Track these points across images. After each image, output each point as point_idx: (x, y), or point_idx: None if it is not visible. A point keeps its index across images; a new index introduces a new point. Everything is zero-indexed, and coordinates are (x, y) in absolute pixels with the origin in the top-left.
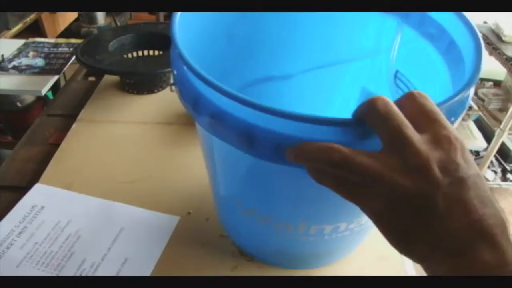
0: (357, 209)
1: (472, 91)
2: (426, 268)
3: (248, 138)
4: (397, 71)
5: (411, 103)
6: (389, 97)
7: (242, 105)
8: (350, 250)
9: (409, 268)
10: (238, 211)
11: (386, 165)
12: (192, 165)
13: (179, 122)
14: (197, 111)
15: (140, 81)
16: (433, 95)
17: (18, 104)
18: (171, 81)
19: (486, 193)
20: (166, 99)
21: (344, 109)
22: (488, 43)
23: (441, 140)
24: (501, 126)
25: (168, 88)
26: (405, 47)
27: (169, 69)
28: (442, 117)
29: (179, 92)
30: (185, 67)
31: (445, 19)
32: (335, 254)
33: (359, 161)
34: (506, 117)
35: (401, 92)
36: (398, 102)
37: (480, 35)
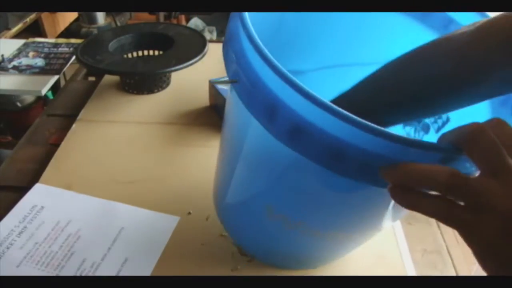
0: (384, 223)
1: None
2: None
3: (336, 155)
4: (448, 119)
5: (500, 132)
6: None
7: (335, 117)
8: (353, 249)
9: (409, 268)
10: (263, 215)
11: (494, 190)
12: (192, 165)
13: (179, 122)
14: (273, 120)
15: (140, 81)
16: None
17: (18, 104)
18: (228, 78)
19: None
20: (166, 99)
21: None
22: None
23: None
24: None
25: (167, 88)
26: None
27: (169, 69)
28: None
29: (244, 91)
30: (262, 68)
31: (469, 20)
32: (340, 253)
33: (472, 184)
34: None
35: None
36: (486, 127)
37: None
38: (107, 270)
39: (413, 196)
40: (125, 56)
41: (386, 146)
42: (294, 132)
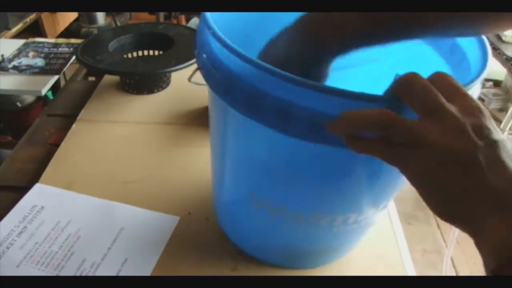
0: (370, 198)
1: (477, 88)
2: (470, 230)
3: (285, 116)
4: (396, 75)
5: (441, 80)
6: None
7: (282, 81)
8: (352, 247)
9: (409, 268)
10: (249, 204)
11: (428, 128)
12: (192, 165)
13: (179, 122)
14: (230, 91)
15: (140, 81)
16: None
17: (18, 104)
18: (196, 67)
19: None
20: (166, 99)
21: None
22: (488, 43)
23: (472, 109)
24: (501, 126)
25: (167, 88)
26: (407, 52)
27: (169, 69)
28: (468, 92)
29: (209, 76)
30: (219, 48)
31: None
32: (337, 250)
33: (406, 122)
34: (506, 117)
35: None
36: (428, 79)
37: (487, 46)
38: (107, 270)
39: (361, 142)
40: (125, 56)
41: (328, 101)
42: (249, 100)
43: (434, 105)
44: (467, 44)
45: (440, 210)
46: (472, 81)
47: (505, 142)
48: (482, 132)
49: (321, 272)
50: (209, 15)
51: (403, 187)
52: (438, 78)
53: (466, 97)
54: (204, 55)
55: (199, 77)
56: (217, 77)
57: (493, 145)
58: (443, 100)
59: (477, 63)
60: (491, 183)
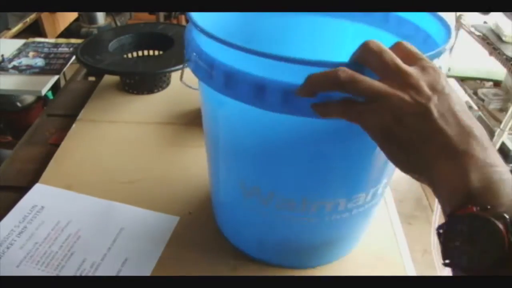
0: (355, 182)
1: (444, 63)
2: (426, 178)
3: (259, 91)
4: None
5: (400, 48)
6: None
7: (253, 55)
8: (350, 244)
9: (409, 268)
10: (241, 195)
11: (386, 85)
12: (192, 165)
13: (179, 122)
14: (212, 75)
15: (140, 81)
16: None
17: (18, 104)
18: (185, 62)
19: (467, 109)
20: (166, 99)
21: None
22: (488, 43)
23: (427, 69)
24: (501, 126)
25: (167, 88)
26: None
27: (169, 69)
28: (426, 57)
29: (196, 68)
30: (201, 39)
31: (420, 19)
32: (335, 246)
33: (363, 79)
34: (506, 117)
35: None
36: (389, 48)
37: (451, 25)
38: (107, 270)
39: (325, 106)
40: (125, 56)
41: (296, 71)
42: (227, 81)
43: (391, 66)
44: (438, 34)
45: (399, 161)
46: (437, 49)
47: (457, 96)
48: (436, 87)
49: (321, 272)
50: (194, 14)
51: (396, 178)
52: (398, 45)
53: (422, 60)
54: (190, 49)
55: (194, 80)
56: (201, 65)
57: (446, 99)
58: (400, 62)
59: (441, 37)
60: (443, 131)
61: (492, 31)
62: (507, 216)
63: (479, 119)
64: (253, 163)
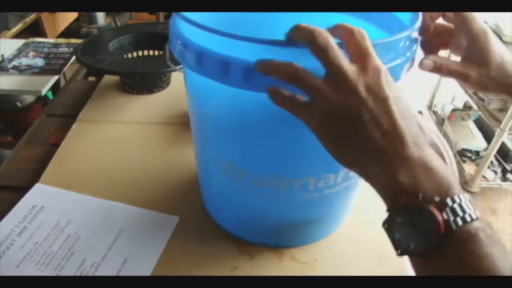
0: (322, 161)
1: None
2: (360, 173)
3: (224, 68)
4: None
5: (350, 39)
6: None
7: (219, 35)
8: (328, 227)
9: (409, 268)
10: (218, 172)
11: (325, 86)
12: (192, 165)
13: (178, 122)
14: (185, 56)
15: (140, 81)
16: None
17: (18, 104)
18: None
19: (407, 108)
20: (166, 99)
21: None
22: None
23: (369, 69)
24: (501, 126)
25: (167, 88)
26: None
27: (169, 69)
28: (373, 52)
29: (173, 48)
30: (179, 21)
31: (406, 17)
32: (311, 227)
33: (308, 76)
34: (506, 117)
35: None
36: (340, 34)
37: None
38: (107, 270)
39: (279, 95)
40: (125, 56)
41: (255, 50)
42: (198, 59)
43: (333, 67)
44: (405, 16)
45: (335, 156)
46: (401, 30)
47: (399, 97)
48: (373, 90)
49: (322, 272)
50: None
51: None
52: (348, 37)
53: (368, 58)
54: (171, 33)
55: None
56: (178, 48)
57: (382, 101)
58: (342, 61)
59: (408, 20)
60: (371, 134)
61: (492, 31)
62: (437, 199)
63: (479, 119)
64: (225, 140)
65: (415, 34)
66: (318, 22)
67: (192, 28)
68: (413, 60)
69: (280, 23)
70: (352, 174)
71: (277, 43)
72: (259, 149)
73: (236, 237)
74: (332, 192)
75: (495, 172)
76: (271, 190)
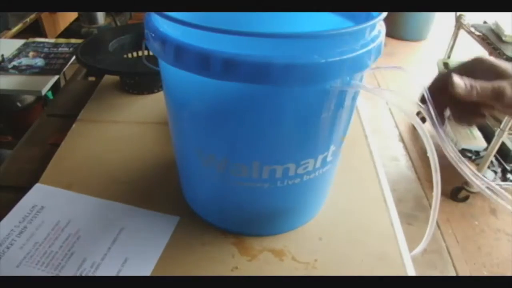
0: (301, 147)
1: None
2: None
3: (205, 61)
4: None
5: (481, 67)
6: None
7: (196, 29)
8: (309, 212)
9: (409, 268)
10: (199, 165)
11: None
12: None
13: None
14: (164, 51)
15: (140, 81)
16: None
17: (18, 104)
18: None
19: None
20: None
21: None
22: (488, 43)
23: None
24: (501, 126)
25: None
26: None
27: None
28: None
29: (152, 45)
30: (155, 17)
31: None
32: (293, 214)
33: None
34: (506, 117)
35: None
36: (468, 67)
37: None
38: (107, 270)
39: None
40: (125, 56)
41: (238, 42)
42: (177, 54)
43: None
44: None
45: None
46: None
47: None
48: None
49: (321, 272)
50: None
51: (396, 178)
52: (479, 66)
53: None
54: (147, 29)
55: None
56: (155, 44)
57: None
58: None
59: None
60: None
61: (492, 31)
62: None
63: None
64: (205, 133)
65: (381, 25)
66: (301, 20)
67: (169, 23)
68: (379, 49)
69: (252, 18)
70: (330, 158)
71: (255, 35)
72: (237, 138)
73: (219, 226)
74: (312, 178)
75: (495, 172)
76: (253, 179)
